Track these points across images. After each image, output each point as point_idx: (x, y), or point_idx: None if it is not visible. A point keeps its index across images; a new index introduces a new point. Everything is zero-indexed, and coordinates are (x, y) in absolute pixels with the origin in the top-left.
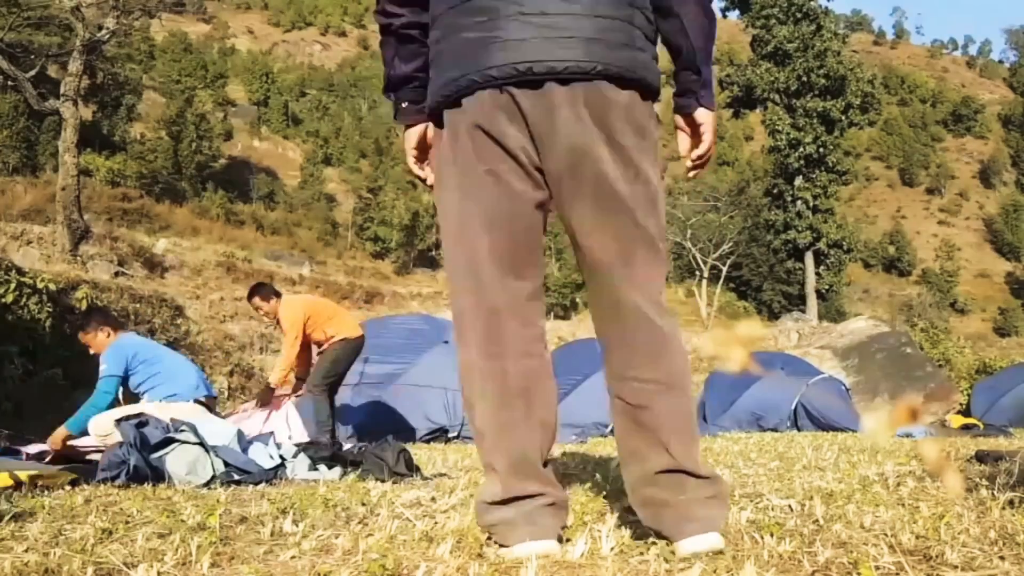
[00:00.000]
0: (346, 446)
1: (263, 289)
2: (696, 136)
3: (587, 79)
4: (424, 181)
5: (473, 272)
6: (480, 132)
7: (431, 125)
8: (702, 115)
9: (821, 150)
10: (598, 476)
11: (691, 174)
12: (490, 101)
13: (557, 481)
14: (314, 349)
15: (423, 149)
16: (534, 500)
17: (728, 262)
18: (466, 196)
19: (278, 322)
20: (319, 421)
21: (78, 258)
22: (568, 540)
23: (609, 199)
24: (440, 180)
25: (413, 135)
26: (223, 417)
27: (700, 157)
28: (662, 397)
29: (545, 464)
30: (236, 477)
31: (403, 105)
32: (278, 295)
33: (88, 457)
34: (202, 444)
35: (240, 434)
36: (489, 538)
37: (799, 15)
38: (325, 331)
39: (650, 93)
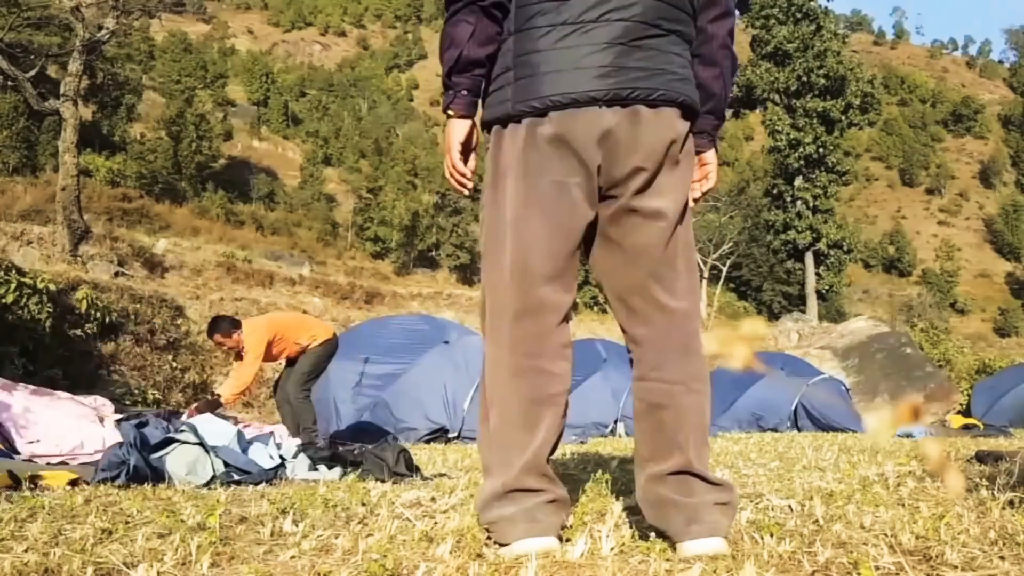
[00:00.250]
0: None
1: (222, 324)
2: (702, 173)
3: (669, 106)
4: (464, 176)
5: (522, 275)
6: (560, 143)
7: (489, 126)
8: (711, 156)
9: (821, 150)
10: (598, 476)
11: (695, 205)
12: (581, 118)
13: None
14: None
15: (468, 146)
16: (535, 496)
17: (728, 262)
18: (530, 203)
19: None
20: (305, 428)
21: (78, 258)
22: (568, 540)
23: (659, 210)
24: (498, 182)
25: (463, 129)
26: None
27: (705, 192)
28: (684, 398)
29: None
30: (236, 477)
31: (463, 92)
32: (238, 325)
33: (87, 461)
34: (202, 444)
35: (240, 434)
36: (489, 538)
37: (799, 15)
38: (299, 343)
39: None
